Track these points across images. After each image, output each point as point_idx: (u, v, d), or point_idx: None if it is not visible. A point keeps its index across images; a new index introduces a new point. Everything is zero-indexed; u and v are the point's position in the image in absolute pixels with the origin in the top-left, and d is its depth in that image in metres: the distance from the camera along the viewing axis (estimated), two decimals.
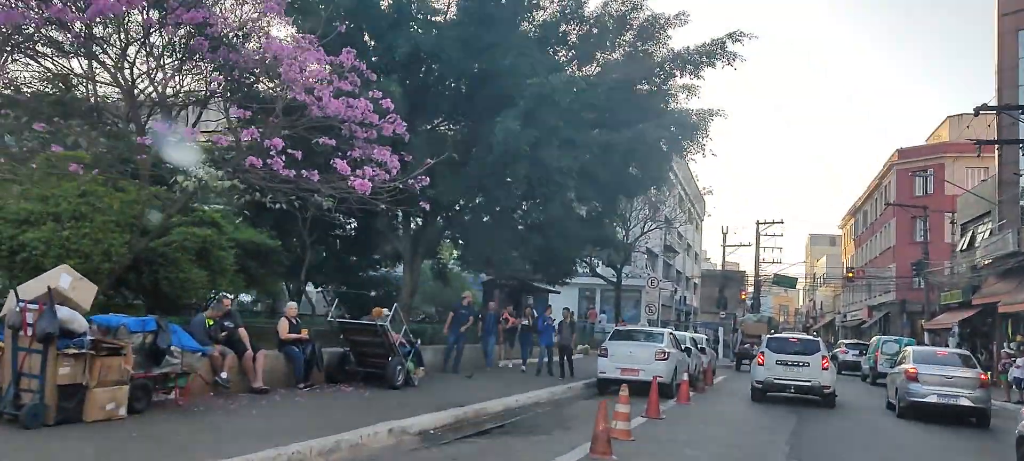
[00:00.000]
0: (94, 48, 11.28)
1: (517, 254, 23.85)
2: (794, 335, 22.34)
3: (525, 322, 18.42)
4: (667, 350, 17.40)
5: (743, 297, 53.88)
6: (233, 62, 11.86)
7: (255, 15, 12.04)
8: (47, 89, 12.97)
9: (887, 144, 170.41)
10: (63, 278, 8.25)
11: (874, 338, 36.11)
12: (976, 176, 43.65)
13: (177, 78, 12.39)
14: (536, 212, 20.81)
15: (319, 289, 26.13)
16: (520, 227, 22.14)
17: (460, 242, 23.24)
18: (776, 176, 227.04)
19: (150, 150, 11.11)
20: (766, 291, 73.06)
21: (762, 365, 18.22)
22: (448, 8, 18.52)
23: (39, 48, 11.56)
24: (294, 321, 12.95)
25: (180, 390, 9.69)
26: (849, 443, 12.61)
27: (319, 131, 11.73)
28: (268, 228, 16.90)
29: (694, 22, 21.26)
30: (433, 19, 18.40)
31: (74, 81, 12.58)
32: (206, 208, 14.68)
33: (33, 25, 10.60)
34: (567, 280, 27.14)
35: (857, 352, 37.15)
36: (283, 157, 10.79)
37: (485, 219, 22.29)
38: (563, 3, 19.15)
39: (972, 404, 15.54)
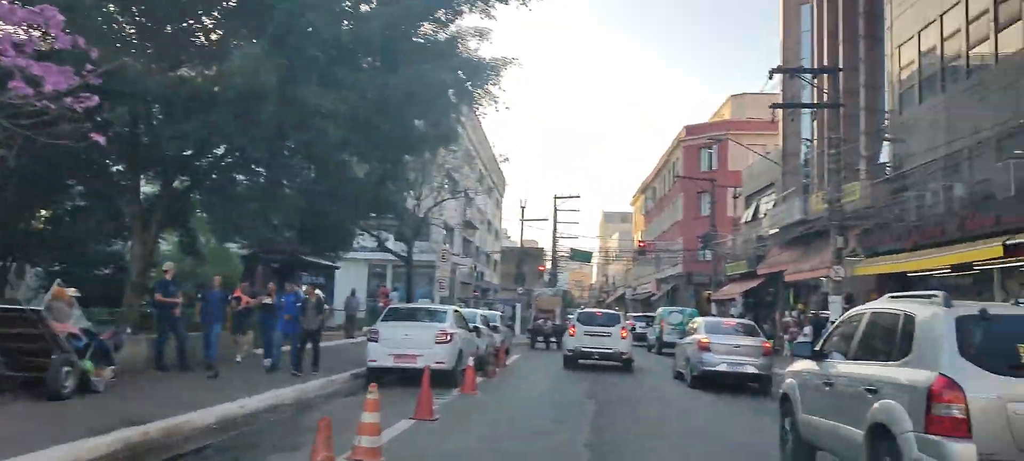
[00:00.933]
0: None
1: (278, 222, 20.12)
2: (599, 310, 25.14)
3: (268, 300, 14.78)
4: (450, 331, 14.63)
5: (542, 271, 52.89)
6: None
7: None
8: None
9: (678, 122, 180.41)
10: None
11: (659, 309, 36.65)
12: (757, 153, 45.44)
13: None
14: (298, 169, 17.26)
15: (35, 270, 20.79)
16: (285, 188, 18.48)
17: (206, 207, 18.98)
18: (575, 151, 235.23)
19: None
20: (563, 267, 73.67)
21: (573, 336, 20.90)
22: None
23: None
24: None
25: None
26: (653, 429, 10.98)
27: None
28: None
29: None
30: None
31: None
32: None
33: None
34: (343, 254, 23.72)
35: (644, 323, 36.96)
36: None
37: (240, 178, 18.40)
38: None
39: (757, 371, 16.37)
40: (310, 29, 14.18)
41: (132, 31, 15.06)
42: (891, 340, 6.15)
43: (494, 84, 19.07)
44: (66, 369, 9.56)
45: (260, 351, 15.34)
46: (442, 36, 17.51)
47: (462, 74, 17.39)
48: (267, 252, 21.93)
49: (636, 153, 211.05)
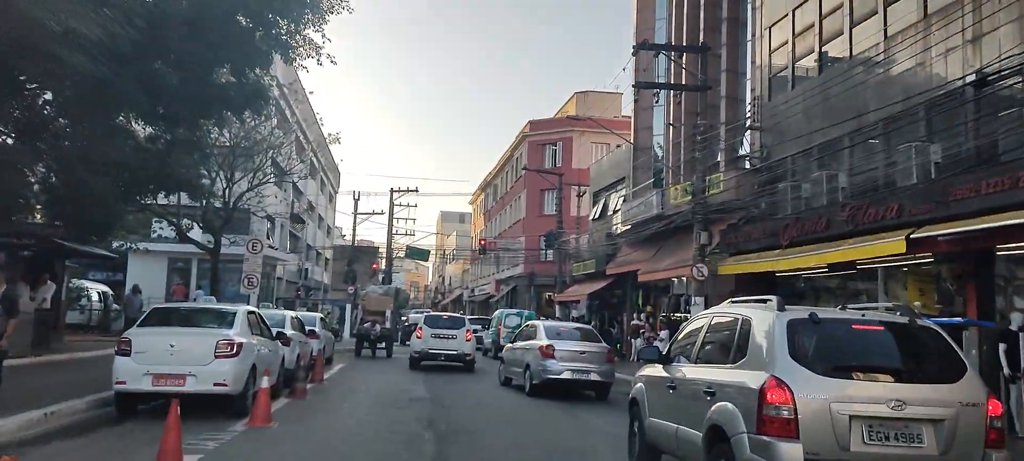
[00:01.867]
0: None
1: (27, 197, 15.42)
2: (445, 314, 25.54)
3: None
4: (239, 339, 10.68)
5: (375, 269, 48.80)
6: None
7: None
8: None
9: (522, 117, 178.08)
10: None
11: (496, 312, 34.67)
12: (601, 150, 44.13)
13: None
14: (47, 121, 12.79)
15: None
16: (20, 142, 13.84)
17: None
18: (411, 150, 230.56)
19: None
20: (398, 267, 69.75)
21: (420, 338, 21.53)
22: None
23: None
24: None
25: None
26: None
27: None
28: None
29: None
30: None
31: None
32: None
33: None
34: (122, 243, 18.90)
35: (479, 327, 34.04)
36: None
37: None
38: None
39: (600, 379, 15.81)
40: None
41: None
42: (730, 344, 6.17)
43: (315, 29, 15.45)
44: None
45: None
46: None
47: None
48: (11, 237, 16.94)
49: (476, 153, 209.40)
